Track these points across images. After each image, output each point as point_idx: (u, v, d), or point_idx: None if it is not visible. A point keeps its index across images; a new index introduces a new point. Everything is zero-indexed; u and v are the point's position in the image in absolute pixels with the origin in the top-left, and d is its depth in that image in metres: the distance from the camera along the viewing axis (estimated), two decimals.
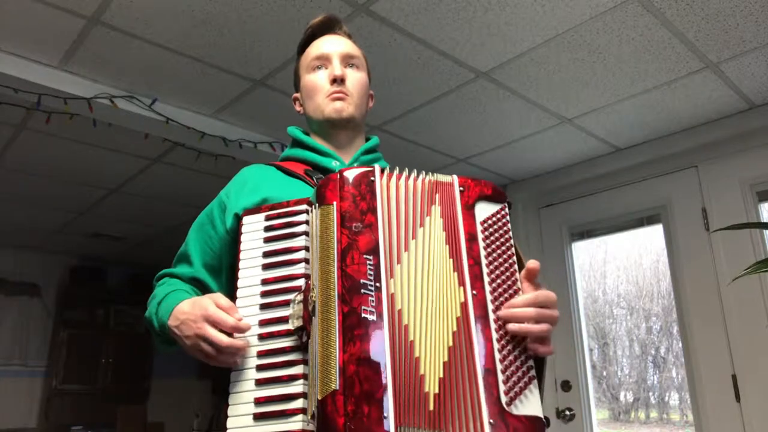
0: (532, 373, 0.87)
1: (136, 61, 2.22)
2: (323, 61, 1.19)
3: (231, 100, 2.54)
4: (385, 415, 0.76)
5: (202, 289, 1.08)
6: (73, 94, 2.29)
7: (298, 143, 1.21)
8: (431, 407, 0.79)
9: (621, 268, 3.34)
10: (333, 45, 1.20)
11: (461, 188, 0.95)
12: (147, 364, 5.32)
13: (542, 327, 0.87)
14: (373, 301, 0.83)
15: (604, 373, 3.28)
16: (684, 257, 2.87)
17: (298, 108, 1.26)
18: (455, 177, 0.96)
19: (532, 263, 0.92)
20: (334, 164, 1.14)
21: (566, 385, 3.16)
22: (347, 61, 1.19)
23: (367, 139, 1.25)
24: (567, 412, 3.10)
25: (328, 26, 1.25)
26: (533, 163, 3.24)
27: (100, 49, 2.14)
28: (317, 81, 1.18)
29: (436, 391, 0.80)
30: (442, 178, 0.95)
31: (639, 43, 2.14)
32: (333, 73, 1.16)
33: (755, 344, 2.56)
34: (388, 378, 0.78)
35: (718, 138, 2.77)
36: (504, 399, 0.82)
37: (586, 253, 3.41)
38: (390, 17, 1.98)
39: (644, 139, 2.96)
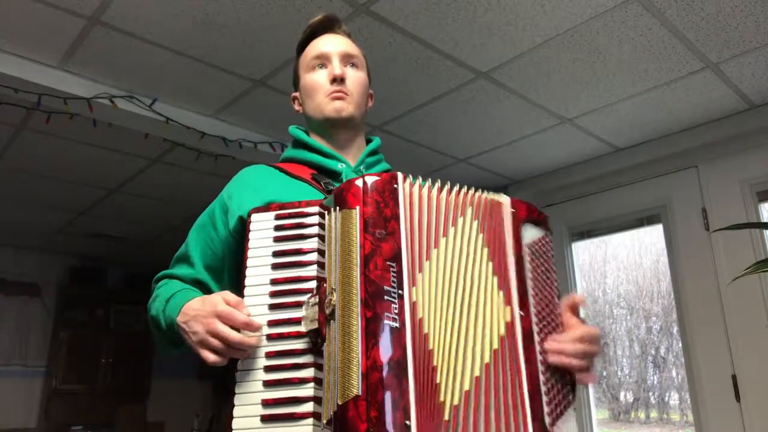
0: (571, 397, 0.89)
1: (136, 61, 2.22)
2: (323, 60, 1.18)
3: (231, 100, 2.54)
4: (408, 422, 0.76)
5: (204, 291, 1.07)
6: (73, 94, 2.29)
7: (300, 144, 1.20)
8: (446, 417, 0.79)
9: (621, 268, 3.34)
10: (332, 44, 1.20)
11: (513, 209, 0.96)
12: (147, 363, 5.32)
13: (585, 363, 0.90)
14: (396, 308, 0.82)
15: (604, 373, 3.28)
16: (684, 257, 2.87)
17: (297, 107, 1.26)
18: (507, 197, 0.98)
19: (577, 296, 0.96)
20: (340, 167, 1.13)
21: None
22: (347, 60, 1.19)
23: (369, 140, 1.24)
24: None
25: (327, 25, 1.24)
26: (533, 163, 3.24)
27: (100, 49, 2.14)
28: (317, 80, 1.17)
29: (456, 402, 0.80)
30: (495, 196, 0.97)
31: (639, 43, 2.14)
32: (333, 73, 1.16)
33: (755, 344, 2.56)
34: (410, 386, 0.78)
35: (718, 138, 2.77)
36: (547, 420, 0.84)
37: (586, 253, 3.41)
38: (390, 17, 1.98)
39: (644, 139, 2.96)
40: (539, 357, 0.87)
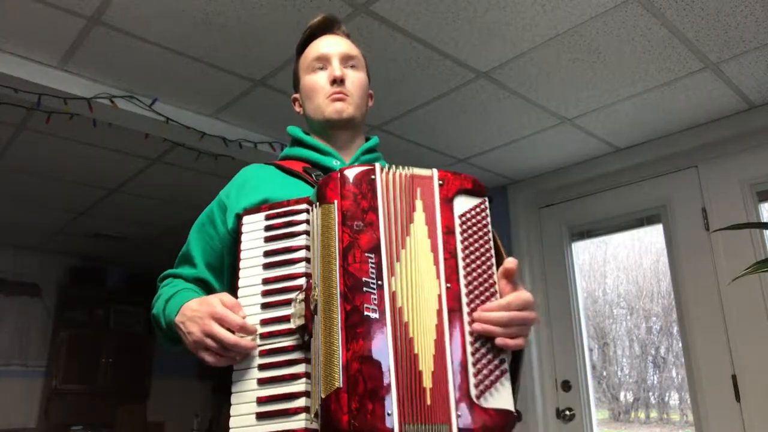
0: (505, 366, 0.88)
1: (136, 61, 2.22)
2: (323, 61, 1.19)
3: (231, 100, 2.54)
4: (389, 412, 0.77)
5: (207, 289, 1.09)
6: (73, 94, 2.29)
7: (298, 142, 1.21)
8: (428, 402, 0.80)
9: (621, 268, 3.34)
10: (332, 45, 1.20)
11: (440, 181, 0.95)
12: (147, 364, 5.32)
13: (511, 330, 0.87)
14: (375, 299, 0.83)
15: (604, 373, 3.28)
16: (684, 257, 2.87)
17: (297, 109, 1.27)
18: (435, 170, 0.96)
19: (509, 262, 0.93)
20: (335, 163, 1.14)
21: (566, 385, 3.16)
22: (346, 61, 1.20)
23: (367, 139, 1.25)
24: (567, 412, 3.10)
25: (327, 27, 1.25)
26: (533, 163, 3.24)
27: (100, 49, 2.14)
28: (317, 82, 1.18)
29: (431, 385, 0.81)
30: (421, 171, 0.95)
31: (639, 43, 2.14)
32: (333, 74, 1.16)
33: (755, 344, 2.56)
34: (391, 376, 0.79)
35: (718, 138, 2.77)
36: (473, 392, 0.83)
37: (586, 253, 3.41)
38: (390, 17, 1.98)
39: (644, 139, 2.96)
40: (467, 328, 0.86)
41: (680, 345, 2.85)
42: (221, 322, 0.88)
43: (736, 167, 2.77)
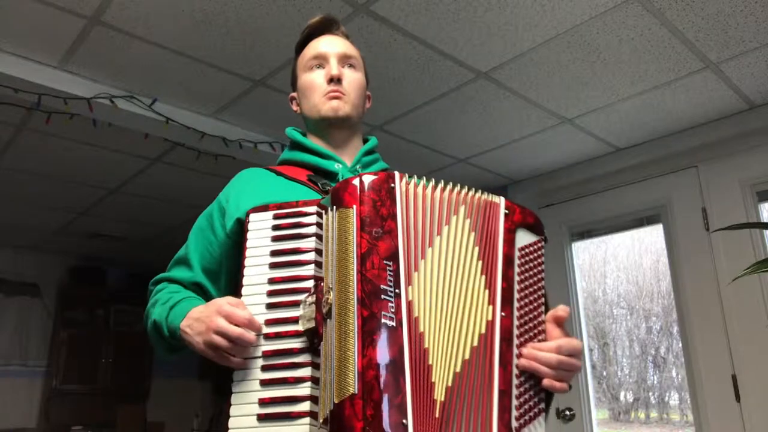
0: (543, 405, 0.89)
1: (136, 61, 2.22)
2: (320, 60, 1.19)
3: (231, 100, 2.54)
4: (405, 421, 0.76)
5: (203, 294, 1.08)
6: (73, 94, 2.29)
7: (296, 145, 1.20)
8: (437, 414, 0.80)
9: (621, 268, 3.34)
10: (330, 45, 1.20)
11: (506, 211, 0.96)
12: (147, 364, 5.32)
13: (557, 373, 0.89)
14: (392, 307, 0.82)
15: (604, 373, 3.28)
16: (684, 257, 2.86)
17: (294, 107, 1.26)
18: (502, 199, 0.97)
19: (561, 309, 0.94)
20: (336, 167, 1.13)
21: None
22: (344, 61, 1.20)
23: (366, 140, 1.25)
24: (567, 412, 3.09)
25: (325, 26, 1.25)
26: (533, 163, 3.24)
27: (100, 49, 2.14)
28: (314, 80, 1.18)
29: (443, 399, 0.81)
30: (491, 197, 0.96)
31: (639, 43, 2.14)
32: (330, 73, 1.16)
33: (755, 344, 2.56)
34: (407, 384, 0.79)
35: (718, 138, 2.77)
36: (514, 423, 0.83)
37: (586, 253, 3.41)
38: (390, 17, 1.98)
39: (644, 139, 2.96)
40: (515, 360, 0.87)
41: (680, 345, 2.85)
42: (229, 318, 0.88)
43: (736, 167, 2.77)
